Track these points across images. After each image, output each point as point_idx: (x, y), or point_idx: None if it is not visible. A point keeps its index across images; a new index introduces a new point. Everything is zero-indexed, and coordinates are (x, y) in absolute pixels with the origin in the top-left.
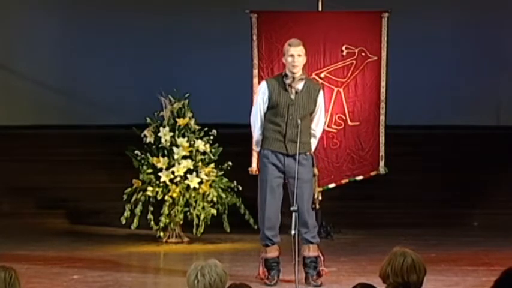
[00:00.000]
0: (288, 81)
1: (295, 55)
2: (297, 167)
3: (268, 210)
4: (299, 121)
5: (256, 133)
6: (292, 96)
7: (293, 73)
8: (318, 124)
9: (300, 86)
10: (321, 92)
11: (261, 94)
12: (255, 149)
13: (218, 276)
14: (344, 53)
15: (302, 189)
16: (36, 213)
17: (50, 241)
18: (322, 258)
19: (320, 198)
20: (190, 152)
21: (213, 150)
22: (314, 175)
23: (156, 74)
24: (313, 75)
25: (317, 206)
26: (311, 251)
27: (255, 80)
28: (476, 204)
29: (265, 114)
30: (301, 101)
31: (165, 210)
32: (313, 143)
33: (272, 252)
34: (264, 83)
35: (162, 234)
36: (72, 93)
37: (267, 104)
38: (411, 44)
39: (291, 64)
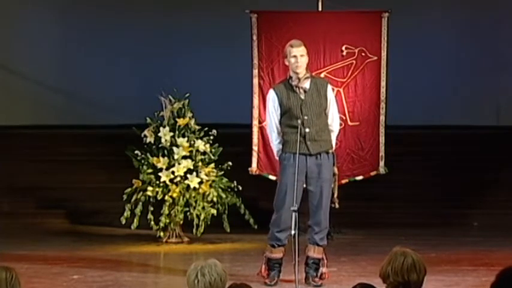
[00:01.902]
0: (294, 83)
1: (298, 56)
2: (297, 163)
3: (286, 213)
4: (306, 117)
5: (274, 143)
6: (302, 96)
7: (297, 73)
8: (334, 119)
9: (306, 84)
10: (329, 86)
11: (271, 102)
12: (276, 158)
13: (218, 275)
14: (344, 53)
15: (321, 189)
16: (36, 213)
17: (50, 241)
18: (325, 261)
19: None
20: (190, 152)
21: (213, 150)
22: (334, 174)
23: (156, 74)
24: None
25: (336, 206)
26: (315, 253)
27: (255, 80)
28: (476, 204)
29: (280, 121)
30: (312, 98)
31: (165, 210)
32: (333, 139)
33: (277, 253)
34: (271, 91)
35: (162, 234)
36: (72, 93)
37: (279, 111)
38: (411, 44)
39: (295, 65)
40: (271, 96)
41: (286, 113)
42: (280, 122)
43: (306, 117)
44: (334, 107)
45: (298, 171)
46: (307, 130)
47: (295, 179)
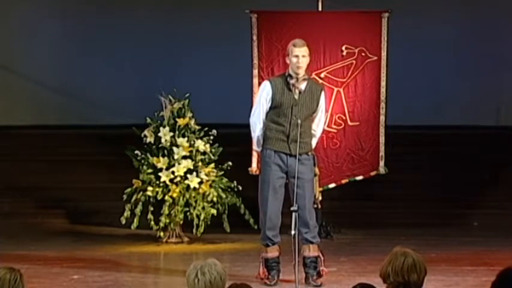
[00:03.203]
0: (292, 82)
1: (300, 56)
2: (296, 166)
3: (270, 211)
4: (299, 121)
5: (256, 133)
6: (296, 97)
7: (297, 74)
8: (319, 124)
9: (303, 86)
10: (323, 93)
11: (265, 94)
12: (256, 148)
13: (218, 274)
14: (344, 53)
15: (304, 189)
16: (36, 213)
17: (50, 241)
18: (322, 258)
19: (320, 198)
20: (190, 152)
21: (213, 150)
22: (315, 175)
23: (156, 74)
24: (313, 75)
25: (318, 206)
26: (311, 251)
27: (255, 80)
28: (476, 204)
29: (267, 114)
30: (305, 101)
31: (165, 210)
32: (313, 143)
33: (272, 252)
34: (267, 83)
35: (162, 234)
36: (72, 93)
37: (270, 104)
38: (411, 44)
39: (296, 65)
40: (266, 88)
41: (275, 109)
42: (266, 115)
43: (294, 118)
44: (323, 114)
45: (279, 169)
46: (292, 131)
47: (278, 177)
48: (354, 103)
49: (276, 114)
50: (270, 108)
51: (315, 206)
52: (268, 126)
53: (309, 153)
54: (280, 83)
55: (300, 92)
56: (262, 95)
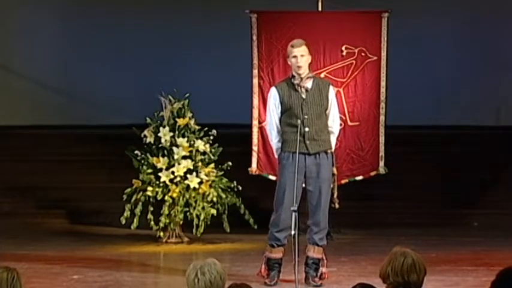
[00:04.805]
0: (296, 82)
1: (299, 55)
2: (297, 161)
3: (285, 213)
4: (299, 121)
5: (274, 141)
6: (303, 96)
7: (299, 73)
8: (334, 120)
9: (309, 84)
10: (331, 88)
11: (272, 100)
12: (276, 156)
13: (218, 274)
14: (344, 53)
15: (319, 189)
16: (36, 213)
17: (50, 241)
18: (325, 261)
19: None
20: (190, 152)
21: (213, 150)
22: (333, 174)
23: (156, 74)
24: None
25: (336, 206)
26: (315, 253)
27: (255, 80)
28: (476, 204)
29: (280, 119)
30: (313, 98)
31: (165, 210)
32: (332, 140)
33: (277, 254)
34: (273, 89)
35: (162, 234)
36: (72, 93)
37: (280, 109)
38: (411, 44)
39: (296, 65)
40: (273, 94)
41: (286, 112)
42: (280, 121)
43: (306, 117)
44: (335, 109)
45: (297, 171)
46: (306, 129)
47: (295, 178)
48: (354, 103)
49: (288, 117)
50: (282, 112)
51: (333, 205)
52: (284, 130)
53: (328, 151)
54: (285, 86)
55: (306, 90)
56: (271, 102)
